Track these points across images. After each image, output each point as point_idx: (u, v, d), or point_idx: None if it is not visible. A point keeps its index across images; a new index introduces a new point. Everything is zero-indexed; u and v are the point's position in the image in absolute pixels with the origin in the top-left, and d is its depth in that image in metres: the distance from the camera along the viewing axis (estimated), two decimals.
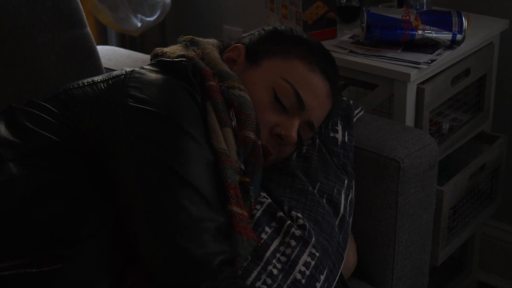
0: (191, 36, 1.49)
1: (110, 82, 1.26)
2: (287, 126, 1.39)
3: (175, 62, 1.31)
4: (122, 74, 1.27)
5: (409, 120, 1.78)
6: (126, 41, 2.75)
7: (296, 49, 1.42)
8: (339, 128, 1.51)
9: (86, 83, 1.27)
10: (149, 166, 1.15)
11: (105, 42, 2.67)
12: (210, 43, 1.48)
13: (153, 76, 1.26)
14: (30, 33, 1.66)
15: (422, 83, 1.78)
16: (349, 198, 1.45)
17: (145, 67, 1.31)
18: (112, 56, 2.09)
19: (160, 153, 1.16)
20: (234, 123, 1.31)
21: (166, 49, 1.45)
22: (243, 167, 1.28)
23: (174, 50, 1.43)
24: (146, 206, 1.13)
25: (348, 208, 1.44)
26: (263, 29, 1.50)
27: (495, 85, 2.10)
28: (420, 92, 1.76)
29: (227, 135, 1.29)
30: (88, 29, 1.80)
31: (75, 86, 1.27)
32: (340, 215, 1.40)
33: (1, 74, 1.59)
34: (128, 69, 1.29)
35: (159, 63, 1.31)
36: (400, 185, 1.50)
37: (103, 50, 1.93)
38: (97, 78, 1.28)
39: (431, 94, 1.79)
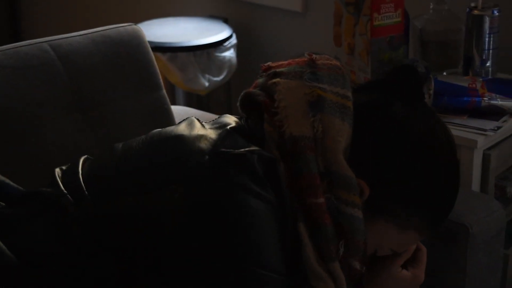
0: (318, 89, 1.11)
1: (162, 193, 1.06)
2: None
3: (237, 156, 1.05)
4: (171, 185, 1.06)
5: (475, 185, 1.82)
6: (193, 100, 2.85)
7: (418, 217, 1.15)
8: None
9: (130, 197, 1.10)
10: None
11: (172, 101, 2.76)
12: (339, 108, 1.11)
13: (216, 184, 1.03)
14: (112, 98, 1.71)
15: (489, 149, 1.82)
16: None
17: (203, 165, 1.05)
18: (184, 116, 2.15)
19: None
20: (341, 253, 1.08)
21: (282, 98, 1.12)
22: None
23: (293, 107, 1.11)
24: None
25: None
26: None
27: None
28: (486, 158, 1.81)
29: (336, 271, 1.07)
30: (164, 91, 1.85)
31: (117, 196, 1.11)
32: None
33: (86, 138, 1.65)
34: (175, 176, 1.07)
35: (220, 155, 1.06)
36: (469, 250, 1.54)
37: (175, 111, 1.99)
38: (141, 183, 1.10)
39: (496, 160, 1.83)
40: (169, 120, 1.86)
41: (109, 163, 1.19)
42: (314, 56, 1.18)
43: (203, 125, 1.16)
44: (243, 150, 1.05)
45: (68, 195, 1.12)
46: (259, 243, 1.01)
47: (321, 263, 1.07)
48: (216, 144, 1.07)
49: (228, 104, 2.86)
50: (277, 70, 1.18)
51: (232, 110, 2.83)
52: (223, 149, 1.06)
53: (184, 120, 1.20)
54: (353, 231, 1.08)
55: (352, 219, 1.07)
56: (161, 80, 1.86)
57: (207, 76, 2.66)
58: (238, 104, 1.20)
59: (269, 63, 1.21)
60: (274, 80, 1.15)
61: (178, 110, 2.22)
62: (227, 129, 1.12)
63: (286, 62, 1.19)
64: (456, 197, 1.20)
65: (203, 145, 1.07)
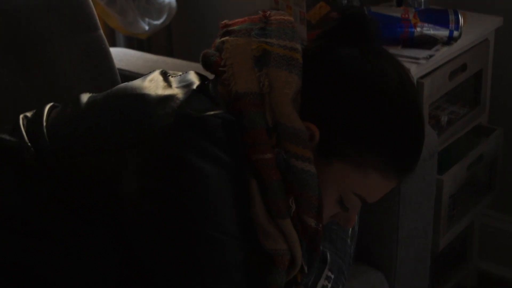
0: (264, 44, 1.11)
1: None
2: (346, 219, 1.20)
3: (202, 120, 1.02)
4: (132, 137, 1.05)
5: None
6: (134, 43, 2.84)
7: (371, 154, 1.11)
8: None
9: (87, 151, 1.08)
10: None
11: (113, 45, 2.75)
12: (286, 61, 1.09)
13: (174, 148, 1.01)
14: (48, 38, 1.70)
15: (422, 77, 1.87)
16: None
17: (169, 124, 1.03)
18: (123, 57, 2.17)
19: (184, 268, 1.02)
20: (293, 209, 1.07)
21: (229, 56, 1.11)
22: (306, 269, 1.13)
23: (239, 64, 1.10)
24: None
25: (357, 217, 1.40)
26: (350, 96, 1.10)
27: (491, 79, 2.19)
28: (419, 86, 1.85)
29: (286, 228, 1.06)
30: (101, 31, 1.84)
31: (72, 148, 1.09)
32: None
33: (22, 80, 1.64)
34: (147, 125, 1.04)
35: (185, 118, 1.03)
36: None
37: (114, 52, 1.98)
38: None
39: (430, 88, 1.88)
40: (107, 60, 1.85)
41: (73, 116, 1.15)
42: (268, 12, 1.17)
43: (169, 82, 1.13)
44: (207, 114, 1.03)
45: (31, 148, 1.10)
46: (215, 206, 1.01)
47: (271, 221, 1.06)
48: (182, 106, 1.05)
49: (169, 48, 2.86)
50: (229, 28, 1.16)
51: (173, 54, 2.83)
52: (189, 111, 1.03)
53: (150, 73, 1.17)
54: (304, 186, 1.06)
55: (303, 174, 1.06)
56: (98, 20, 1.86)
57: (146, 19, 2.65)
58: (201, 65, 1.18)
59: (226, 21, 1.18)
60: (223, 39, 1.14)
61: (117, 52, 2.22)
62: (193, 89, 1.09)
63: (241, 19, 1.18)
64: (412, 134, 1.15)
65: (168, 108, 1.05)
